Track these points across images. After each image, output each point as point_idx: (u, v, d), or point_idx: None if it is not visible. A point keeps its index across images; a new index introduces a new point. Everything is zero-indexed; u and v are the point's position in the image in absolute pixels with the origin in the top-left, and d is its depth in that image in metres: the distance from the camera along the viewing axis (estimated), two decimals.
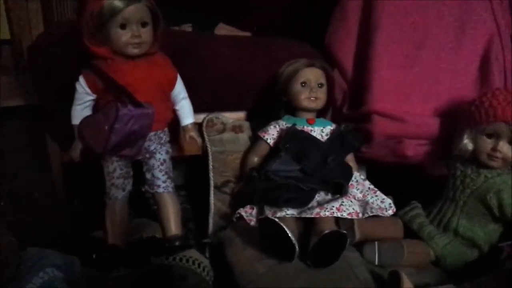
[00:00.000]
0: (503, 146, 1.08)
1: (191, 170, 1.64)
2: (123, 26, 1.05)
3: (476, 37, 1.26)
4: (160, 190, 1.22)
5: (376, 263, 1.10)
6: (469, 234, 1.12)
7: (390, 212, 1.22)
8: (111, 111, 1.04)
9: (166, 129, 1.25)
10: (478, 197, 1.11)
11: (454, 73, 1.24)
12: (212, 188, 1.36)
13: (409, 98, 1.23)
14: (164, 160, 1.23)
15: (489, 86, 1.21)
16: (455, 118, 1.17)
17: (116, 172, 1.18)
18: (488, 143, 1.09)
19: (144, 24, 1.08)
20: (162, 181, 1.22)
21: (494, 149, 1.08)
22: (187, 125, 1.26)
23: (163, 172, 1.22)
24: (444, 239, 1.13)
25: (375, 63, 1.25)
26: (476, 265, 1.10)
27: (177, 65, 1.27)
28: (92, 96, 1.12)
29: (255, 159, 1.32)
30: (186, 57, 1.39)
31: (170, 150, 1.26)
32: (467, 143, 1.11)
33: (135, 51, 1.08)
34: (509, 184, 1.09)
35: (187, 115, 1.25)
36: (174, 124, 1.27)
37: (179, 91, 1.23)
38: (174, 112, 1.25)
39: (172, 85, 1.21)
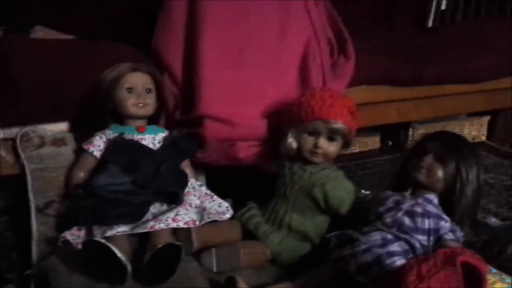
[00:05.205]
0: (323, 142, 1.14)
1: (13, 191, 1.43)
2: None
3: (295, 40, 1.32)
4: None
5: (215, 270, 1.07)
6: (301, 228, 1.17)
7: (228, 215, 1.21)
8: None
9: None
10: (305, 192, 1.16)
11: (278, 75, 1.28)
12: (33, 211, 1.20)
13: (238, 100, 1.24)
14: None
15: (308, 86, 1.27)
16: (280, 118, 1.21)
17: None
18: (309, 141, 1.15)
19: None
20: None
21: (315, 145, 1.14)
22: None
23: None
24: (278, 236, 1.16)
25: (203, 66, 1.23)
26: (310, 258, 1.15)
27: None
28: None
29: (80, 174, 1.20)
30: None
31: None
32: (292, 141, 1.16)
33: None
34: (331, 177, 1.16)
35: None
36: None
37: None
38: None
39: None
